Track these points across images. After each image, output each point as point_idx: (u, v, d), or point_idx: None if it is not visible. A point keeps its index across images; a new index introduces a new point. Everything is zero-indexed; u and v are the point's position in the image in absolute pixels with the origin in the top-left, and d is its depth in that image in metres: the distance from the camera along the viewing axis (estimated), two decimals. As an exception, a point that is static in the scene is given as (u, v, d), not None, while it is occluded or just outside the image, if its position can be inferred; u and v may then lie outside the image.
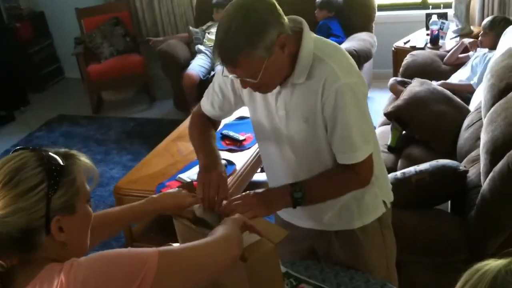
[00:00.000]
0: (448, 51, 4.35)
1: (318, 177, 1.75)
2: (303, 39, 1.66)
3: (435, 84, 3.81)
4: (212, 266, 1.30)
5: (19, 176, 1.14)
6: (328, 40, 1.77)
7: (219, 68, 1.92)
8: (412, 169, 2.56)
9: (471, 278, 0.88)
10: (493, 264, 0.88)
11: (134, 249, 1.19)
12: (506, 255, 0.89)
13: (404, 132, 3.36)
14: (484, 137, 2.50)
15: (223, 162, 3.24)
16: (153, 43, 5.47)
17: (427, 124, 3.30)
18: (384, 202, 1.92)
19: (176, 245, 1.53)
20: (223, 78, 1.86)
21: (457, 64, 4.17)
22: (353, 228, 1.91)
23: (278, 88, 1.72)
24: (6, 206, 1.13)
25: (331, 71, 1.63)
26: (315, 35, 1.72)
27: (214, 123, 2.04)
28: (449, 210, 2.71)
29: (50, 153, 1.22)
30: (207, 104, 1.98)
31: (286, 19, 1.60)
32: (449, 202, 2.71)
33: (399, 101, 3.43)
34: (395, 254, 2.05)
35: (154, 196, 1.70)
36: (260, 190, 1.75)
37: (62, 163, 1.20)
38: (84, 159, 1.27)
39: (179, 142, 3.76)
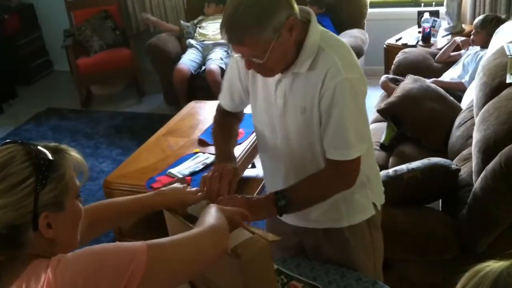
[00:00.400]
0: (440, 49, 4.35)
1: (302, 182, 1.73)
2: (309, 28, 1.65)
3: (428, 81, 3.82)
4: (201, 258, 1.27)
5: (6, 170, 1.11)
6: (334, 34, 1.77)
7: (232, 59, 1.91)
8: (404, 167, 2.55)
9: (471, 280, 0.87)
10: (494, 265, 0.86)
11: (122, 243, 1.16)
12: (507, 256, 0.88)
13: (398, 131, 3.37)
14: (476, 136, 2.50)
15: (214, 157, 3.27)
16: (145, 20, 5.41)
17: (419, 121, 3.29)
18: (374, 205, 1.91)
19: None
20: (232, 70, 1.88)
21: (449, 62, 4.17)
22: (342, 227, 1.90)
23: (279, 76, 1.71)
24: None
25: (334, 64, 1.62)
26: (322, 27, 1.71)
27: (236, 116, 2.04)
28: (440, 208, 2.70)
29: (39, 147, 1.19)
30: (222, 98, 2.00)
31: (295, 3, 1.60)
32: (440, 200, 2.71)
33: (392, 98, 3.42)
34: (382, 255, 2.05)
35: (164, 189, 1.69)
36: (249, 196, 1.75)
37: (51, 158, 1.17)
38: (74, 153, 1.24)
39: (169, 137, 3.74)
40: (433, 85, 3.52)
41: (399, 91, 3.41)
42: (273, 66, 1.63)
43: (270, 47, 1.54)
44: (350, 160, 1.69)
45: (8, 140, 1.20)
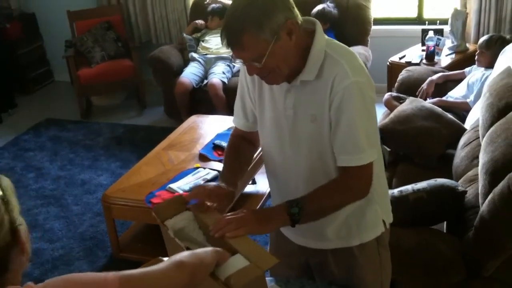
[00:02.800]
0: (444, 68, 4.34)
1: (315, 190, 1.68)
2: (315, 36, 1.65)
3: (429, 101, 3.80)
4: None
5: None
6: (340, 43, 1.75)
7: (241, 76, 1.90)
8: (409, 187, 2.51)
9: None
10: None
11: (92, 274, 1.15)
12: None
13: (389, 150, 3.37)
14: (483, 157, 2.46)
15: (215, 172, 3.23)
16: (211, 2, 5.32)
17: (409, 139, 3.30)
18: (384, 222, 1.87)
19: (165, 259, 1.48)
20: (241, 86, 1.88)
21: (452, 80, 4.15)
22: (351, 246, 1.85)
23: (287, 86, 1.70)
24: None
25: (341, 69, 1.60)
26: (327, 36, 1.70)
27: (251, 141, 1.99)
28: (445, 230, 2.66)
29: None
30: (235, 117, 1.97)
31: (295, 8, 1.60)
32: (445, 222, 2.67)
33: (386, 120, 3.44)
34: (389, 275, 2.00)
35: None
36: (257, 208, 1.71)
37: None
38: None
39: (170, 151, 3.70)
40: (429, 105, 3.50)
41: (393, 113, 3.43)
42: (274, 70, 1.61)
43: (269, 50, 1.55)
44: (362, 166, 1.65)
45: None
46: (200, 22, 5.37)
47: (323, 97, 1.64)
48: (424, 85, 4.06)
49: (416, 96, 3.93)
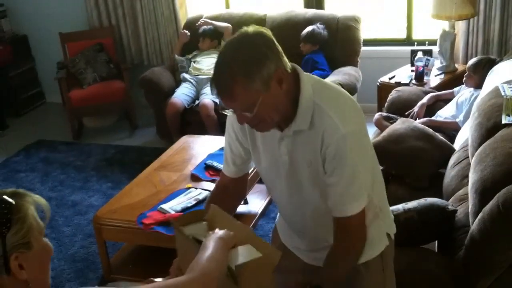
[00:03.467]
0: (433, 88, 4.38)
1: (327, 272, 1.76)
2: (300, 85, 1.64)
3: (419, 121, 3.83)
4: None
5: None
6: (326, 82, 1.76)
7: (228, 124, 1.90)
8: (400, 207, 2.52)
9: None
10: None
11: None
12: None
13: (381, 168, 3.39)
14: (472, 177, 2.48)
15: (207, 193, 3.23)
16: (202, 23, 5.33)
17: (402, 159, 3.32)
18: (388, 234, 1.90)
19: (158, 280, 1.49)
20: (229, 135, 1.88)
21: (441, 100, 4.19)
22: (358, 264, 1.86)
23: (280, 134, 1.70)
24: None
25: (331, 122, 1.61)
26: (311, 76, 1.71)
27: (237, 191, 2.01)
28: (436, 249, 2.67)
29: None
30: (224, 165, 1.98)
31: (284, 56, 1.59)
32: (436, 241, 2.68)
33: (379, 138, 3.46)
34: None
35: None
36: None
37: (11, 201, 1.22)
38: (33, 195, 1.29)
39: (162, 171, 3.70)
40: (421, 126, 3.53)
41: (385, 132, 3.45)
42: (265, 119, 1.61)
43: (259, 100, 1.54)
44: (359, 213, 1.68)
45: None
46: (184, 32, 5.40)
47: (315, 147, 1.66)
48: (416, 108, 4.10)
49: (406, 117, 3.96)
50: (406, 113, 4.11)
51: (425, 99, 4.13)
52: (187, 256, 1.50)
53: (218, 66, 1.56)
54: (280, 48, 1.59)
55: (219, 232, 1.46)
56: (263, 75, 1.52)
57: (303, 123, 1.64)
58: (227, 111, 1.64)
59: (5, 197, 1.23)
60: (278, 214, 2.06)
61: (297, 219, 1.87)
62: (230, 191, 1.98)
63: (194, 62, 5.31)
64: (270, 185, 1.90)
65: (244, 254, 1.45)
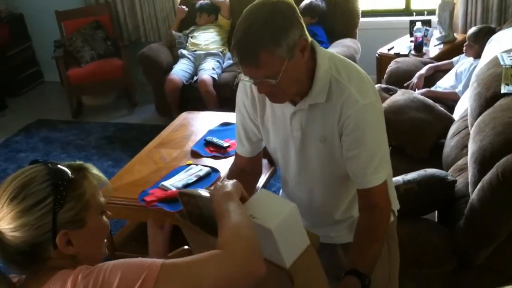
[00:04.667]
0: (432, 58, 4.36)
1: (359, 253, 1.69)
2: (317, 57, 1.63)
3: (418, 92, 3.82)
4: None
5: (26, 190, 1.17)
6: (341, 56, 1.74)
7: (238, 103, 1.87)
8: (399, 178, 2.53)
9: None
10: None
11: (139, 259, 1.16)
12: None
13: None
14: (472, 147, 2.48)
15: (207, 169, 3.24)
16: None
17: (403, 130, 3.31)
18: (392, 210, 1.89)
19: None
20: (241, 114, 1.86)
21: (440, 70, 4.17)
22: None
23: (293, 109, 1.69)
24: (13, 220, 1.17)
25: (350, 94, 1.60)
26: (325, 50, 1.69)
27: (253, 171, 1.98)
28: (436, 220, 2.68)
29: (61, 166, 1.24)
30: (238, 146, 1.96)
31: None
32: (436, 211, 2.69)
33: None
34: (398, 265, 2.02)
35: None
36: None
37: (71, 177, 1.22)
38: (95, 171, 1.29)
39: (162, 148, 3.70)
40: (421, 97, 3.52)
41: (386, 103, 3.43)
42: (286, 89, 1.59)
43: (284, 66, 1.51)
44: (382, 184, 1.68)
45: (33, 160, 1.27)
46: (181, 7, 5.37)
47: (332, 120, 1.64)
48: (414, 79, 4.08)
49: (405, 88, 3.95)
50: (405, 84, 4.10)
51: (423, 70, 4.11)
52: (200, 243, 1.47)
53: (243, 33, 1.50)
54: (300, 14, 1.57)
55: (221, 189, 1.35)
56: (289, 42, 1.50)
57: (319, 96, 1.63)
58: (245, 80, 1.60)
59: (67, 171, 1.22)
60: (281, 191, 2.05)
61: (303, 196, 1.86)
62: (248, 172, 1.96)
63: (192, 37, 5.28)
64: (280, 163, 1.89)
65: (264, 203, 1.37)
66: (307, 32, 1.57)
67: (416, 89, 3.98)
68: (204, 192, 1.44)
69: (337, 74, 1.63)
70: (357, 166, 1.67)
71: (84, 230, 1.22)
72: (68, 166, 1.24)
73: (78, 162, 1.28)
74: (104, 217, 1.30)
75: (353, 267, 1.62)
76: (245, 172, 1.95)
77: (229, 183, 1.38)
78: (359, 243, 1.70)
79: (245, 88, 1.81)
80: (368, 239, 1.69)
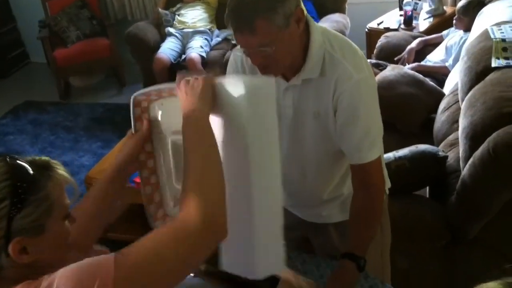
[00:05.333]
0: (422, 32, 4.33)
1: (354, 235, 1.70)
2: (310, 31, 1.60)
3: (408, 66, 3.80)
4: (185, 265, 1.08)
5: None
6: (334, 32, 1.71)
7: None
8: (391, 155, 2.52)
9: None
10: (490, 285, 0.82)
11: (87, 260, 1.02)
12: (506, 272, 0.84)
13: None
14: (463, 122, 2.47)
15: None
16: None
17: (393, 105, 3.29)
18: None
19: None
20: None
21: (430, 44, 4.15)
22: None
23: (285, 84, 1.66)
24: None
25: (344, 69, 1.58)
26: (319, 25, 1.67)
27: None
28: (427, 196, 2.68)
29: (22, 163, 1.08)
30: None
31: None
32: (428, 187, 2.69)
33: None
34: (389, 242, 2.02)
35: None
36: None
37: (33, 177, 1.06)
38: (61, 171, 1.13)
39: (151, 129, 3.67)
40: (411, 72, 3.51)
41: (376, 78, 3.41)
42: (280, 59, 1.55)
43: (279, 35, 1.49)
44: (376, 160, 1.67)
45: None
46: None
47: (327, 95, 1.62)
48: (405, 54, 4.05)
49: (395, 63, 3.92)
50: (396, 59, 4.07)
51: (413, 44, 4.08)
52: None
53: (239, 0, 1.48)
54: None
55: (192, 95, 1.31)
56: (285, 10, 1.47)
57: (313, 71, 1.61)
58: (239, 49, 1.57)
59: (29, 170, 1.07)
60: None
61: (295, 175, 1.84)
62: None
63: (179, 15, 5.20)
64: None
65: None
66: (303, 5, 1.55)
67: (407, 64, 3.95)
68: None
69: (331, 49, 1.61)
70: (353, 141, 1.65)
71: (43, 237, 1.07)
72: (31, 163, 1.09)
73: (43, 158, 1.12)
74: (66, 222, 1.13)
75: (349, 251, 1.63)
76: None
77: (200, 85, 1.33)
78: (355, 225, 1.70)
79: (236, 62, 1.78)
80: (364, 220, 1.69)
